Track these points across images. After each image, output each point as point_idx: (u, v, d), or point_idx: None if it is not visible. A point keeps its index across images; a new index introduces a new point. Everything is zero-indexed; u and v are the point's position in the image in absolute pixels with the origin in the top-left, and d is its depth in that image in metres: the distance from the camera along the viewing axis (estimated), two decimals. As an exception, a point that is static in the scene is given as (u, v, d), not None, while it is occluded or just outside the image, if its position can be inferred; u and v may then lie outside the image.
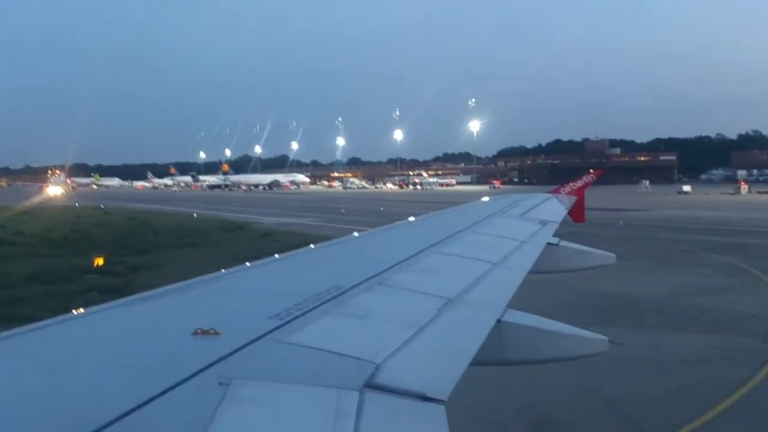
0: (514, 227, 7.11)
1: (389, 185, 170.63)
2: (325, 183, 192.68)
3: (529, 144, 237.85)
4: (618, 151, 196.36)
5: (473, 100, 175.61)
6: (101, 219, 55.69)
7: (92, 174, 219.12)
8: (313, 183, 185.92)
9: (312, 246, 5.20)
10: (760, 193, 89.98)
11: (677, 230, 39.98)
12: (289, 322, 2.62)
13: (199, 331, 2.38)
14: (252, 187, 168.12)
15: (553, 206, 10.46)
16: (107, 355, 2.26)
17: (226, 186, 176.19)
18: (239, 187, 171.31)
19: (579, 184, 13.66)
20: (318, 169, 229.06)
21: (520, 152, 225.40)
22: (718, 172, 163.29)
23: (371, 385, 2.09)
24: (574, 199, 12.21)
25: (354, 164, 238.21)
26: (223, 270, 3.81)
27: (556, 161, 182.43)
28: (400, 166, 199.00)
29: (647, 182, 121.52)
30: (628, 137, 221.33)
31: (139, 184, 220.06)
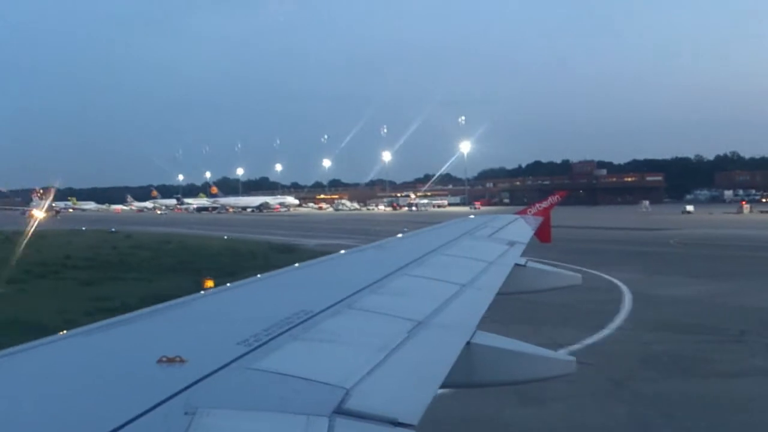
0: (483, 248, 7.14)
1: (381, 207, 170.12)
2: (312, 205, 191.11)
3: (509, 165, 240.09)
4: (604, 172, 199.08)
5: (463, 118, 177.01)
6: (135, 242, 52.87)
7: (68, 198, 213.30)
8: (299, 205, 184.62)
9: (279, 270, 5.15)
10: (762, 212, 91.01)
11: (736, 248, 39.87)
12: (257, 348, 2.58)
13: (164, 358, 2.33)
14: (239, 210, 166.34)
15: (521, 227, 10.54)
16: (69, 385, 2.19)
17: (214, 208, 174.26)
18: (226, 209, 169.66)
19: (545, 204, 13.82)
20: (299, 191, 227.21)
21: (500, 174, 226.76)
22: (703, 193, 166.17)
23: (341, 411, 2.06)
24: (540, 219, 12.33)
25: (335, 186, 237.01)
26: (189, 296, 3.75)
27: (546, 182, 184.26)
28: (387, 188, 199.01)
29: (647, 203, 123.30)
30: (607, 158, 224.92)
31: (117, 207, 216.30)
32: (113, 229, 72.88)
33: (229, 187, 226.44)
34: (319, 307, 3.37)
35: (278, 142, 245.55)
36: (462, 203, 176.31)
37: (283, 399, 2.11)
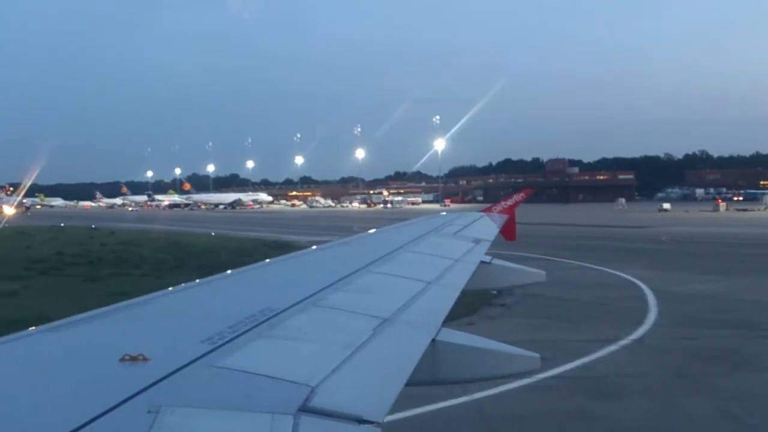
0: (448, 246, 7.19)
1: (355, 204, 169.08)
2: (284, 202, 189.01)
3: (480, 163, 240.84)
4: (576, 170, 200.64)
5: (436, 117, 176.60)
6: (121, 239, 51.23)
7: (36, 194, 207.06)
8: (271, 202, 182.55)
9: (244, 267, 5.12)
10: (738, 210, 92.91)
11: (730, 245, 40.35)
12: (221, 345, 2.56)
13: (126, 357, 2.30)
14: (212, 207, 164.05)
15: (486, 225, 10.61)
16: (29, 383, 2.16)
17: (187, 205, 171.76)
18: (199, 206, 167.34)
19: (510, 202, 13.93)
20: (270, 188, 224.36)
21: (471, 171, 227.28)
22: (675, 191, 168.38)
23: (306, 409, 2.06)
24: (505, 217, 12.42)
25: (306, 183, 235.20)
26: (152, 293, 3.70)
27: (519, 180, 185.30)
28: (360, 185, 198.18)
29: (623, 200, 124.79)
30: (576, 157, 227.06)
31: (86, 203, 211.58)
32: (94, 226, 71.17)
33: (200, 183, 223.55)
34: (285, 305, 3.36)
35: (249, 140, 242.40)
36: (435, 200, 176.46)
37: (247, 397, 2.10)
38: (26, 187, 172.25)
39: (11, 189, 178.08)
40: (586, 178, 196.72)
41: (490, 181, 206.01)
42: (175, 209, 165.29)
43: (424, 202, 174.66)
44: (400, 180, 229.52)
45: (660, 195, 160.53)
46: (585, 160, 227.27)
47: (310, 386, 2.23)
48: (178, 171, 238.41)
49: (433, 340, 3.28)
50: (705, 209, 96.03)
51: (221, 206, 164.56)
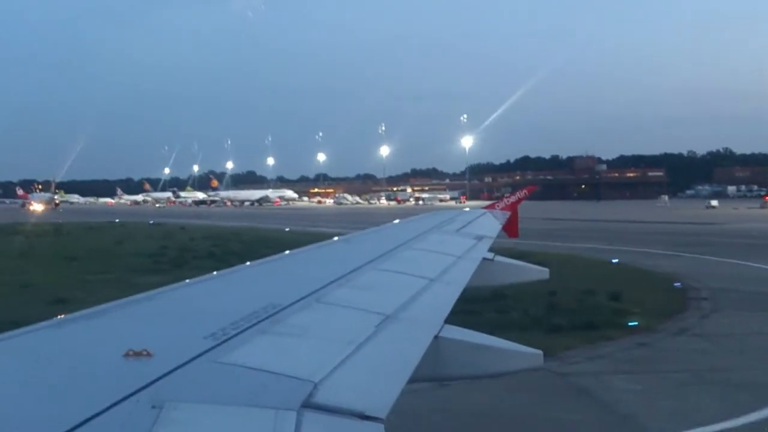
0: (451, 243, 7.19)
1: (383, 201, 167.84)
2: (306, 199, 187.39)
3: (496, 160, 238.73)
4: (604, 167, 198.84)
5: (465, 116, 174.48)
6: (201, 234, 50.73)
7: (57, 190, 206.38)
8: (296, 199, 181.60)
9: (247, 263, 5.13)
10: None
11: None
12: (224, 341, 2.57)
13: (130, 352, 2.31)
14: (238, 203, 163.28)
15: (489, 221, 10.61)
16: (33, 379, 2.16)
17: (213, 202, 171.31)
18: (225, 203, 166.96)
19: (512, 199, 13.93)
20: (285, 185, 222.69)
21: (489, 168, 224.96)
22: (705, 188, 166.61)
23: (309, 405, 2.06)
24: (508, 214, 12.43)
25: (322, 180, 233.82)
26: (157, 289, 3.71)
27: (549, 177, 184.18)
28: (383, 182, 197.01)
29: (666, 197, 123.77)
30: (594, 154, 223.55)
31: (109, 200, 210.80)
32: (152, 222, 71.18)
33: (216, 180, 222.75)
34: (288, 301, 3.36)
35: (270, 138, 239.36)
36: (456, 198, 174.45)
37: (251, 393, 2.11)
38: (55, 184, 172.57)
39: (40, 186, 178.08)
40: (616, 175, 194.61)
41: (517, 178, 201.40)
42: (201, 206, 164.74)
43: (451, 199, 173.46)
44: (417, 177, 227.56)
45: (689, 192, 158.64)
46: (603, 158, 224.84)
47: (313, 382, 2.24)
48: (195, 168, 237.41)
49: (436, 337, 3.29)
50: (752, 206, 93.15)
51: (246, 203, 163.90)
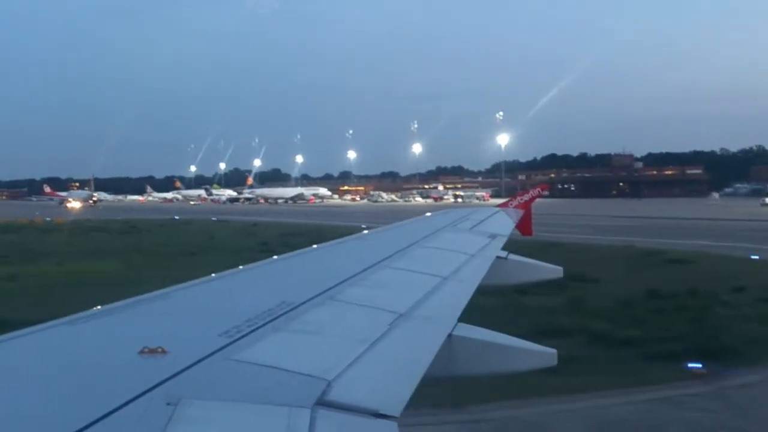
0: (464, 241, 7.17)
1: (418, 199, 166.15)
2: (336, 197, 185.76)
3: (523, 158, 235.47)
4: (641, 165, 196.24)
5: (500, 113, 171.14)
6: (280, 231, 49.97)
7: (85, 188, 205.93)
8: (330, 197, 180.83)
9: (261, 261, 5.15)
10: None
11: None
12: (238, 339, 2.58)
13: (146, 349, 2.33)
14: (273, 201, 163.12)
15: (502, 220, 10.58)
16: (51, 376, 2.19)
17: (247, 199, 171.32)
18: (258, 200, 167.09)
19: (526, 197, 13.89)
20: (310, 183, 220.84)
21: (515, 166, 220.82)
22: (744, 186, 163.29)
23: (323, 403, 2.07)
24: (521, 212, 12.39)
25: (345, 178, 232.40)
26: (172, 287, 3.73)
27: (587, 174, 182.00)
28: (416, 179, 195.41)
29: (717, 195, 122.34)
30: (621, 152, 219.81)
31: (140, 197, 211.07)
32: (215, 218, 71.34)
33: (241, 178, 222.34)
34: (301, 299, 3.37)
35: (298, 136, 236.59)
36: (499, 195, 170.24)
37: (265, 390, 2.11)
38: (93, 182, 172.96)
39: (77, 184, 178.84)
40: (654, 172, 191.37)
41: (552, 175, 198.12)
42: (234, 203, 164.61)
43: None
44: (443, 175, 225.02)
45: (728, 190, 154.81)
46: (635, 155, 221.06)
47: (326, 380, 2.24)
48: (222, 166, 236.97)
49: (450, 335, 3.28)
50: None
51: (281, 200, 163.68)
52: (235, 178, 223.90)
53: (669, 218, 63.94)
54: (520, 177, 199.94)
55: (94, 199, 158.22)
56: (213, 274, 4.33)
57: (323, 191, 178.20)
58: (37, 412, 1.86)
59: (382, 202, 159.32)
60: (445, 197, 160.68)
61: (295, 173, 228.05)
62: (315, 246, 6.30)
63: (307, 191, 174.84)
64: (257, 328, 2.75)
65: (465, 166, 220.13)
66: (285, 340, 2.71)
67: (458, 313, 3.70)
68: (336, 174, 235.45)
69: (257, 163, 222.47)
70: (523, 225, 11.88)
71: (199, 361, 2.27)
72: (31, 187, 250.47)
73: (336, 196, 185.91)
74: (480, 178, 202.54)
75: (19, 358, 2.40)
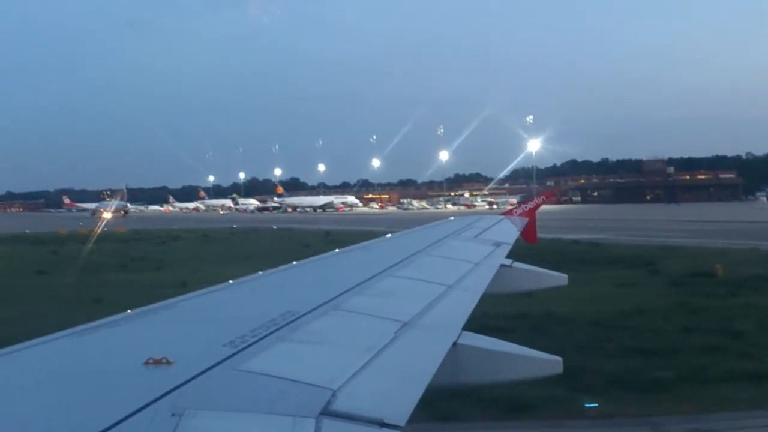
0: (469, 249, 7.17)
1: (449, 206, 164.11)
2: (360, 204, 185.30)
3: (541, 165, 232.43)
4: (672, 170, 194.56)
5: (531, 117, 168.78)
6: (362, 238, 48.84)
7: (112, 198, 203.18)
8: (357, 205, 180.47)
9: (266, 271, 5.15)
10: None
11: None
12: (243, 349, 2.58)
13: (151, 360, 2.33)
14: (301, 210, 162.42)
15: (506, 228, 10.57)
16: (57, 386, 2.19)
17: (275, 208, 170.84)
18: (286, 209, 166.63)
19: (531, 205, 13.88)
20: (327, 192, 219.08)
21: (532, 173, 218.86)
22: None
23: (328, 412, 2.07)
24: (526, 220, 12.37)
25: (364, 186, 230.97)
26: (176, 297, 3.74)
27: (620, 180, 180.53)
28: (444, 187, 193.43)
29: (765, 198, 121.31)
30: (642, 156, 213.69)
31: (164, 207, 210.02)
32: (275, 227, 70.96)
33: (260, 188, 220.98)
34: (306, 308, 3.37)
35: (319, 143, 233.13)
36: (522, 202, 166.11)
37: (270, 400, 2.11)
38: (125, 192, 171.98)
39: (108, 193, 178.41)
40: (687, 177, 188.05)
41: (582, 181, 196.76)
42: (262, 212, 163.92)
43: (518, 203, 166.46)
44: (461, 182, 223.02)
45: (759, 194, 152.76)
46: (647, 159, 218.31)
47: (331, 389, 2.24)
48: (242, 175, 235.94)
49: (454, 344, 3.28)
50: None
51: (309, 209, 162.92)
52: (254, 188, 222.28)
53: (742, 222, 60.74)
54: (548, 183, 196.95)
55: (126, 210, 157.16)
56: (219, 285, 4.33)
57: (351, 199, 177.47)
58: (45, 422, 1.87)
59: (412, 209, 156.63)
60: (475, 204, 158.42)
61: (315, 182, 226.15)
62: (320, 256, 6.30)
63: (336, 200, 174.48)
64: (262, 338, 2.75)
65: (483, 173, 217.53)
66: (289, 349, 2.71)
67: (463, 322, 3.69)
68: (353, 182, 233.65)
69: (278, 172, 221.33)
70: (528, 233, 11.86)
71: (204, 371, 2.27)
72: (47, 199, 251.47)
73: (360, 204, 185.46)
74: (507, 185, 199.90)
75: (27, 369, 2.41)
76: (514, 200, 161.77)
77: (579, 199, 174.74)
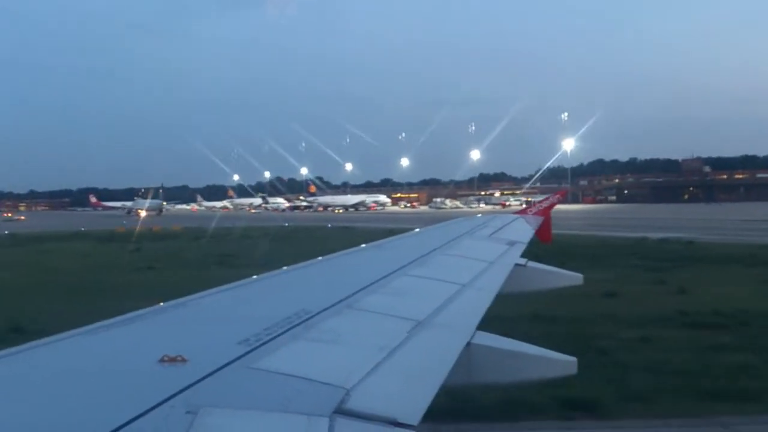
0: (483, 248, 7.15)
1: (482, 205, 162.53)
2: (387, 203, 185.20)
3: (568, 164, 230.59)
4: (709, 169, 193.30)
5: (566, 114, 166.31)
6: None
7: (135, 197, 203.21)
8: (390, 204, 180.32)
9: (279, 270, 5.16)
10: None
11: None
12: (257, 347, 2.59)
13: (165, 358, 2.34)
14: (333, 209, 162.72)
15: (521, 227, 10.55)
16: (72, 384, 2.20)
17: (307, 207, 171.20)
18: (317, 209, 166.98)
19: (545, 204, 13.83)
20: (351, 191, 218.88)
21: (561, 173, 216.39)
22: None
23: (341, 411, 2.07)
24: (541, 219, 12.34)
25: (388, 185, 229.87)
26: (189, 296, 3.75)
27: (659, 179, 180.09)
28: (475, 186, 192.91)
29: None
30: (670, 156, 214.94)
31: (192, 206, 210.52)
32: (330, 225, 70.55)
33: (284, 186, 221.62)
34: (320, 307, 3.38)
35: (348, 140, 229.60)
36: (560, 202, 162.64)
37: (283, 399, 2.12)
38: (162, 191, 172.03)
39: (142, 192, 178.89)
40: (725, 177, 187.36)
41: (616, 180, 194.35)
42: (294, 211, 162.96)
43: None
44: (486, 182, 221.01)
45: None
46: (679, 159, 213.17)
47: (345, 388, 2.24)
48: (267, 174, 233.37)
49: (468, 343, 3.27)
50: None
51: (340, 208, 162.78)
52: (279, 187, 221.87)
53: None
54: (581, 183, 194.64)
55: (162, 208, 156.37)
56: (233, 283, 4.35)
57: (383, 198, 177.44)
58: (59, 420, 1.88)
59: (445, 208, 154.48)
60: (509, 203, 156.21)
61: (339, 181, 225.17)
62: (334, 254, 6.31)
63: (368, 198, 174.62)
64: (276, 337, 2.76)
65: (507, 173, 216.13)
66: (303, 348, 2.71)
67: (477, 321, 3.68)
68: (376, 181, 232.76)
69: (304, 171, 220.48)
70: (543, 232, 11.82)
71: (218, 369, 2.28)
72: (72, 197, 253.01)
73: (389, 203, 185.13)
74: (539, 184, 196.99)
75: (41, 367, 2.42)
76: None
77: (614, 198, 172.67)
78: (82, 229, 71.99)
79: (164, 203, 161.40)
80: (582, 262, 23.85)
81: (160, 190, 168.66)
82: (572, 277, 7.52)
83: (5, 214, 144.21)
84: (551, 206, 13.76)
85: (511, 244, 7.81)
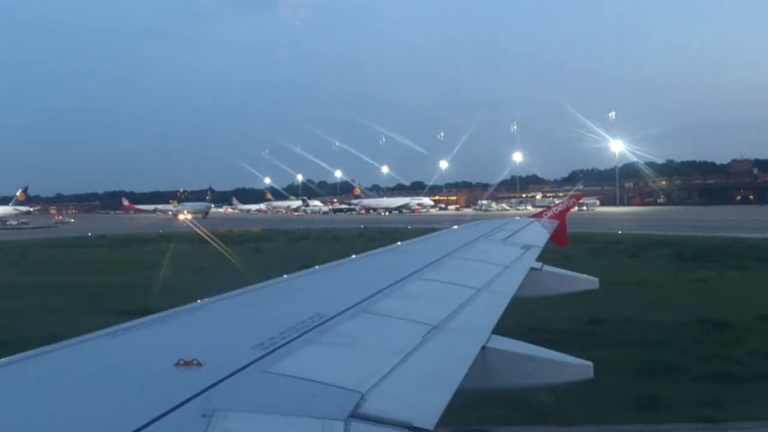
0: (498, 252, 7.13)
1: (529, 207, 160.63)
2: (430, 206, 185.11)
3: (601, 167, 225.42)
4: (756, 170, 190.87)
5: (613, 113, 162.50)
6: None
7: (169, 201, 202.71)
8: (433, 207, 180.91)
9: (294, 274, 5.18)
10: None
11: None
12: (273, 351, 2.59)
13: (181, 361, 2.35)
14: (375, 211, 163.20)
15: (536, 230, 10.49)
16: (88, 388, 2.22)
17: (349, 210, 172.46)
18: (359, 211, 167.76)
19: (561, 208, 13.75)
20: (380, 193, 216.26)
21: (594, 175, 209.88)
22: None
23: (357, 415, 2.07)
24: (556, 223, 12.26)
25: (417, 188, 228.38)
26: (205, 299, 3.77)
27: (710, 181, 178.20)
28: (517, 188, 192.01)
29: None
30: (707, 158, 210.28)
31: (227, 209, 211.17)
32: (409, 227, 68.31)
33: (312, 190, 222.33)
34: (335, 311, 3.38)
35: (383, 140, 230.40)
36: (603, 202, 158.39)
37: (299, 402, 2.12)
38: (210, 194, 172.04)
39: (181, 192, 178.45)
40: None
41: (663, 183, 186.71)
42: (337, 213, 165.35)
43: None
44: (528, 183, 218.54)
45: None
46: (718, 162, 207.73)
47: (360, 392, 2.24)
48: (300, 177, 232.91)
49: (483, 347, 3.26)
50: None
51: (383, 212, 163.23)
52: (308, 190, 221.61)
53: None
54: (627, 185, 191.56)
55: (208, 211, 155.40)
56: (248, 287, 4.36)
57: (427, 201, 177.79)
58: (77, 423, 1.89)
59: (492, 211, 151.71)
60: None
61: (369, 185, 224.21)
62: (348, 258, 6.31)
63: (412, 201, 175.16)
64: (291, 341, 2.77)
65: (539, 175, 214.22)
66: (319, 352, 2.72)
67: (492, 325, 3.67)
68: (407, 183, 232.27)
69: (338, 174, 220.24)
70: (558, 236, 11.75)
71: (233, 373, 2.29)
72: (101, 201, 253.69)
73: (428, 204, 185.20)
74: (582, 186, 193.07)
75: (60, 369, 2.44)
76: (597, 201, 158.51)
77: (662, 201, 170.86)
78: (160, 231, 69.17)
79: (212, 206, 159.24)
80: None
81: (208, 193, 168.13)
82: (588, 281, 7.47)
83: (56, 218, 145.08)
84: (567, 210, 13.67)
85: (527, 248, 7.77)
